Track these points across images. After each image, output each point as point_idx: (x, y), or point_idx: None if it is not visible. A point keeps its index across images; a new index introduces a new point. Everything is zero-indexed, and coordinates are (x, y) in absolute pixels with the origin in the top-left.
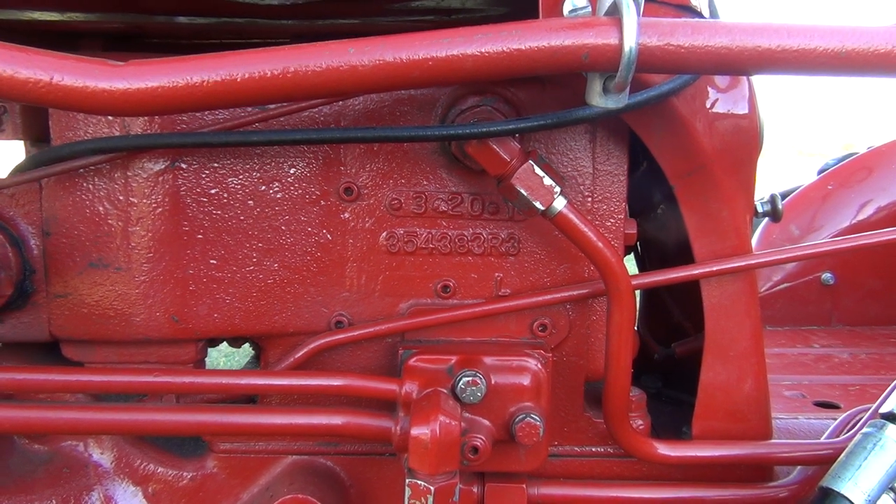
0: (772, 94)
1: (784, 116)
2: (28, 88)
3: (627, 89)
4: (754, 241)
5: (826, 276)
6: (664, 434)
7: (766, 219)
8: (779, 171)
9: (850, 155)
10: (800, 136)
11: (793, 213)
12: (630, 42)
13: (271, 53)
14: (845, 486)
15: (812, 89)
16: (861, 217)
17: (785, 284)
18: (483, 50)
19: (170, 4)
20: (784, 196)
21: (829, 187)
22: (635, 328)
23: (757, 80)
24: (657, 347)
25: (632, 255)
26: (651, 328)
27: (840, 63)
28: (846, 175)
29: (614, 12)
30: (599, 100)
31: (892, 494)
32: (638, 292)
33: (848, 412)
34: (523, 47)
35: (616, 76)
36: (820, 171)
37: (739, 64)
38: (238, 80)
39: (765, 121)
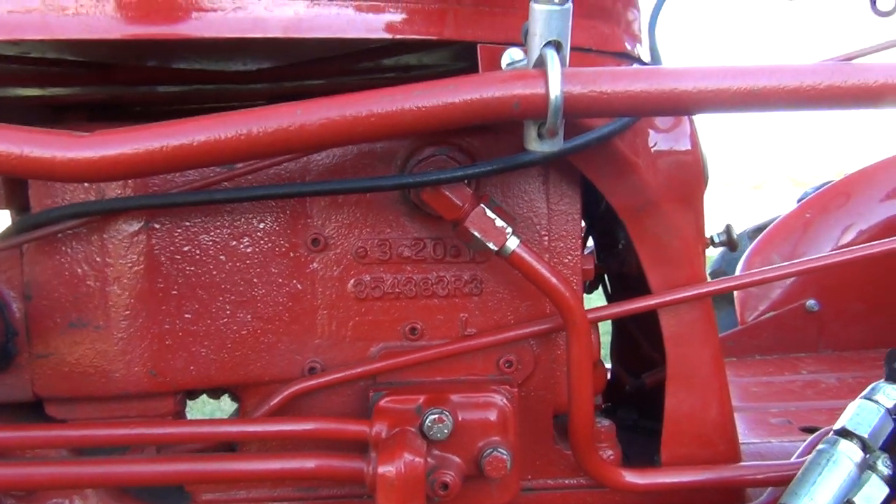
0: (763, 122)
1: (776, 145)
2: (1, 161)
3: (561, 134)
4: (737, 272)
5: (810, 303)
6: (639, 464)
7: (725, 248)
8: (770, 199)
9: (829, 182)
10: (793, 164)
11: (774, 242)
12: (555, 91)
13: (225, 118)
14: (802, 503)
15: (804, 117)
16: (843, 241)
17: (771, 313)
18: (420, 104)
19: (144, 77)
20: (765, 226)
21: (808, 216)
22: (600, 361)
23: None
24: (628, 379)
25: (601, 290)
26: (623, 361)
27: (754, 100)
28: (825, 202)
29: (541, 65)
30: (536, 145)
31: None
32: (609, 327)
33: (817, 433)
34: (458, 100)
35: (547, 122)
36: (800, 200)
37: (660, 106)
38: (195, 144)
39: (707, 156)
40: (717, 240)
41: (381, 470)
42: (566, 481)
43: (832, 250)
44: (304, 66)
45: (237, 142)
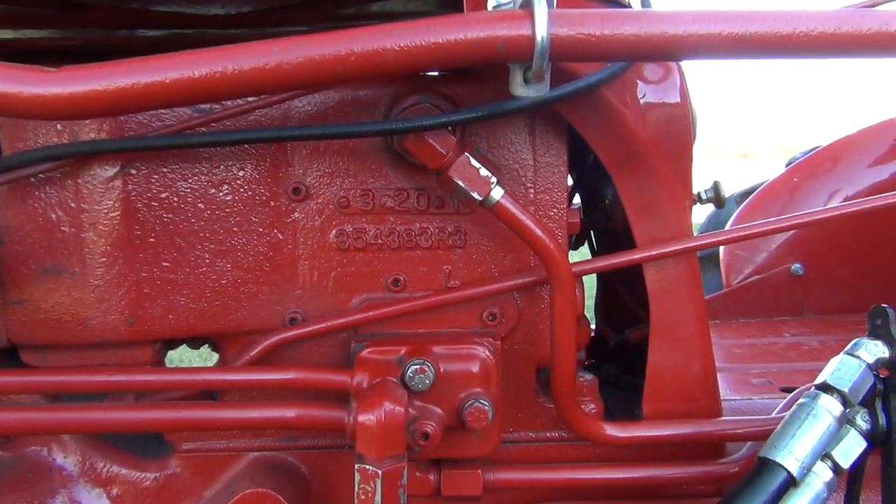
0: (750, 89)
1: (765, 114)
2: None
3: (547, 78)
4: None
5: (795, 266)
6: (621, 418)
7: (712, 207)
8: (758, 168)
9: (817, 148)
10: (781, 133)
11: (761, 206)
12: (542, 32)
13: (199, 55)
14: (781, 455)
15: (791, 83)
16: (830, 206)
17: (756, 276)
18: (402, 44)
19: (121, 20)
20: (753, 190)
21: (795, 180)
22: (584, 316)
23: (714, 71)
24: (612, 335)
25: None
26: (607, 317)
27: (744, 46)
28: (812, 167)
29: (527, 5)
30: (521, 90)
31: (828, 462)
32: (594, 283)
33: (798, 389)
34: (441, 40)
35: (533, 65)
36: (788, 165)
37: (649, 50)
38: (167, 81)
39: (697, 109)
40: (704, 196)
41: (361, 418)
42: (548, 434)
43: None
44: (285, 11)
45: (211, 79)
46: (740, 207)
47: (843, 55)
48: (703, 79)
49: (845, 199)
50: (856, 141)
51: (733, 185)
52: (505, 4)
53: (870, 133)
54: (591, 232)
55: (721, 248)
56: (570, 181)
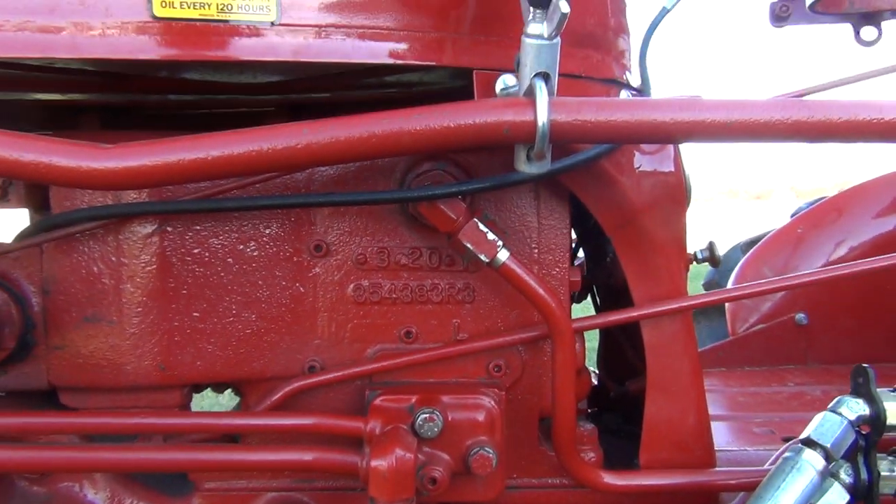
0: None
1: (781, 156)
2: (30, 170)
3: (548, 157)
4: (729, 284)
5: (800, 316)
6: (621, 466)
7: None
8: (772, 210)
9: (823, 198)
10: (796, 174)
11: (766, 256)
12: (542, 119)
13: (238, 136)
14: None
15: None
16: (835, 257)
17: (760, 325)
18: (417, 127)
19: (159, 86)
20: (758, 240)
21: (799, 231)
22: (585, 368)
23: None
24: (613, 386)
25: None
26: (609, 368)
27: (727, 132)
28: (817, 218)
29: (530, 94)
30: (525, 166)
31: None
32: (596, 336)
33: (791, 441)
34: (452, 124)
35: (535, 147)
36: (793, 215)
37: (639, 135)
38: (209, 158)
39: (690, 177)
40: (700, 256)
41: (373, 463)
42: (549, 481)
43: (823, 265)
44: (310, 81)
45: (248, 157)
46: (745, 257)
47: (816, 140)
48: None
49: (850, 250)
50: (860, 192)
51: (747, 228)
52: (512, 87)
53: (875, 185)
54: (594, 286)
55: None
56: (574, 238)
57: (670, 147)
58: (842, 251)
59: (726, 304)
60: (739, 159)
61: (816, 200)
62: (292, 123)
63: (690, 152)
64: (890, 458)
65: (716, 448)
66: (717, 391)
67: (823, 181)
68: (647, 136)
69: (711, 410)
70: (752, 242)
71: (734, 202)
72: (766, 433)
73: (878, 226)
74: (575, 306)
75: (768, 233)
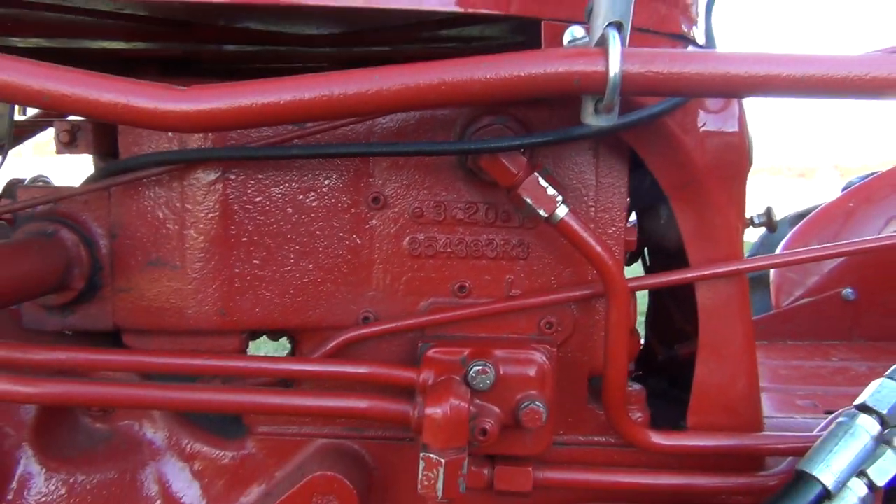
0: (810, 107)
1: (824, 133)
2: (108, 109)
3: (616, 109)
4: None
5: (847, 291)
6: (665, 428)
7: (764, 233)
8: (816, 188)
9: (875, 173)
10: (840, 152)
11: (815, 230)
12: (614, 69)
13: (310, 80)
14: (818, 469)
15: (852, 106)
16: (885, 232)
17: (806, 299)
18: (488, 76)
19: (220, 35)
20: (807, 213)
21: (851, 205)
22: (635, 329)
23: (764, 102)
24: (660, 349)
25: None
26: (656, 332)
27: (800, 87)
28: (869, 192)
29: (602, 44)
30: (592, 119)
31: (863, 479)
32: (646, 298)
33: (839, 410)
34: (523, 73)
35: (604, 99)
36: (844, 189)
37: (711, 88)
38: (281, 103)
39: (753, 138)
40: (757, 221)
41: (428, 411)
42: (596, 439)
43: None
44: (369, 34)
45: (319, 102)
46: (793, 230)
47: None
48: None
49: None
50: None
51: (790, 205)
52: (580, 39)
53: None
54: (645, 249)
55: (772, 270)
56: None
57: (735, 107)
58: (893, 227)
59: (771, 277)
60: (783, 136)
61: (869, 175)
62: (363, 69)
63: None
64: None
65: None
66: (760, 363)
67: (868, 159)
68: (719, 90)
69: None
70: (800, 216)
71: (777, 179)
72: (808, 405)
73: None
74: (625, 269)
75: (816, 207)
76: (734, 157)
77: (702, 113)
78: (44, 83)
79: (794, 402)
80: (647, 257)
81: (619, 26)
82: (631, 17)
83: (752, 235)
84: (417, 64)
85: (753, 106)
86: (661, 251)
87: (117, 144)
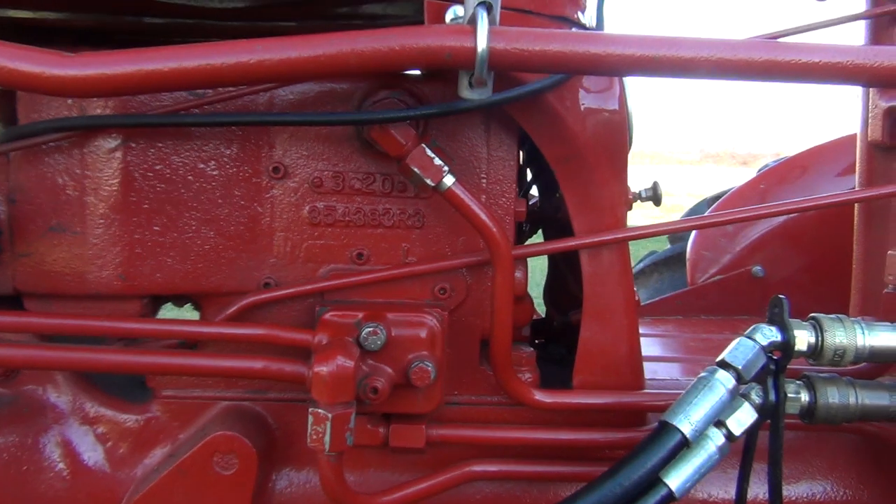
0: (750, 94)
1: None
2: None
3: (490, 84)
4: (690, 240)
5: (756, 269)
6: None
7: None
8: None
9: (786, 156)
10: (783, 137)
11: (728, 209)
12: (482, 45)
13: (193, 48)
14: (678, 419)
15: (794, 90)
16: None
17: (718, 277)
18: (364, 48)
19: (127, 5)
20: (723, 195)
21: (762, 186)
22: (528, 296)
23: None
24: (557, 317)
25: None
26: (554, 301)
27: (654, 66)
28: (781, 175)
29: (473, 22)
30: (466, 93)
31: (722, 429)
32: (545, 268)
33: None
34: (397, 46)
35: (474, 73)
36: (759, 172)
37: (574, 65)
38: (165, 69)
39: (634, 115)
40: (644, 195)
41: (316, 369)
42: (487, 398)
43: (784, 222)
44: (279, 8)
45: (202, 70)
46: (709, 211)
47: (738, 78)
48: (702, 84)
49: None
50: (825, 151)
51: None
52: (460, 18)
53: (839, 144)
54: (545, 222)
55: (688, 248)
56: (530, 176)
57: (615, 86)
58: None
59: (688, 256)
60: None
61: (782, 159)
62: (247, 40)
63: (672, 116)
64: (797, 382)
65: (649, 378)
66: (671, 336)
67: (809, 146)
68: (581, 68)
69: (664, 353)
70: (716, 197)
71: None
72: None
73: (840, 184)
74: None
75: (732, 188)
76: (614, 133)
77: (582, 92)
78: None
79: (697, 371)
80: (545, 230)
81: (488, 6)
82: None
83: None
84: (298, 37)
85: (697, 94)
86: (558, 223)
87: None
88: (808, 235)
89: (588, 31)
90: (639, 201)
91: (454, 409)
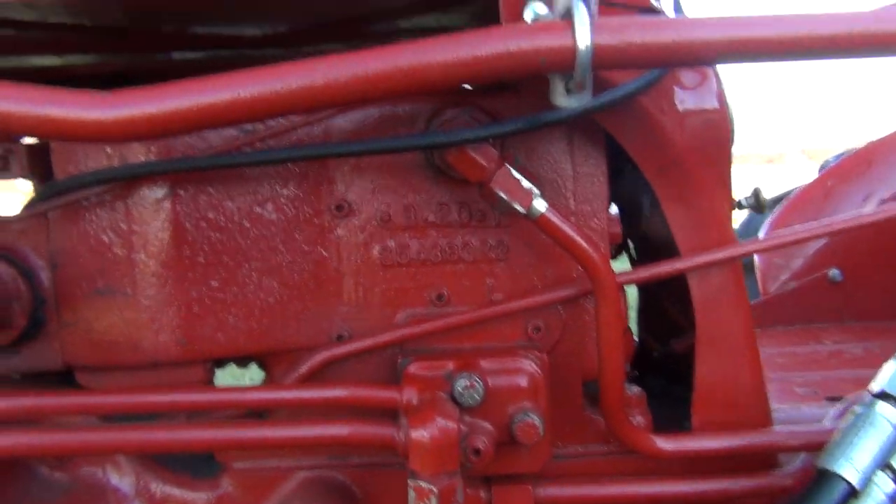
0: (774, 91)
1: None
2: (23, 121)
3: (589, 88)
4: None
5: (833, 272)
6: (668, 430)
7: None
8: (784, 171)
9: (849, 151)
10: (806, 134)
11: (795, 213)
12: (584, 42)
13: (249, 74)
14: (840, 465)
15: (816, 84)
16: (865, 210)
17: (793, 283)
18: (445, 58)
19: (160, 43)
20: (783, 197)
21: (829, 184)
22: (628, 328)
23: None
24: (656, 346)
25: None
26: (650, 328)
27: (787, 49)
28: (845, 170)
29: (567, 15)
30: (563, 100)
31: (888, 473)
32: (635, 294)
33: (850, 397)
34: (483, 53)
35: (575, 75)
36: (821, 170)
37: (689, 55)
38: (219, 102)
39: (735, 115)
40: (745, 203)
41: (413, 434)
42: (597, 448)
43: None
44: (320, 31)
45: (262, 98)
46: (773, 214)
47: (877, 55)
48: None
49: (880, 202)
50: (889, 142)
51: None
52: (543, 16)
53: None
54: (629, 241)
55: (756, 256)
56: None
57: (713, 82)
58: (872, 203)
59: (756, 263)
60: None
61: (844, 153)
62: (306, 60)
63: None
64: None
65: None
66: None
67: (836, 142)
68: (698, 58)
69: None
70: (777, 200)
71: (746, 166)
72: (809, 393)
73: None
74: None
75: (793, 190)
76: (716, 135)
77: (678, 90)
78: None
79: (794, 391)
80: (632, 250)
81: None
82: None
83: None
84: (365, 51)
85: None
86: (648, 242)
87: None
88: (883, 231)
89: (687, 17)
90: (738, 210)
91: (560, 462)
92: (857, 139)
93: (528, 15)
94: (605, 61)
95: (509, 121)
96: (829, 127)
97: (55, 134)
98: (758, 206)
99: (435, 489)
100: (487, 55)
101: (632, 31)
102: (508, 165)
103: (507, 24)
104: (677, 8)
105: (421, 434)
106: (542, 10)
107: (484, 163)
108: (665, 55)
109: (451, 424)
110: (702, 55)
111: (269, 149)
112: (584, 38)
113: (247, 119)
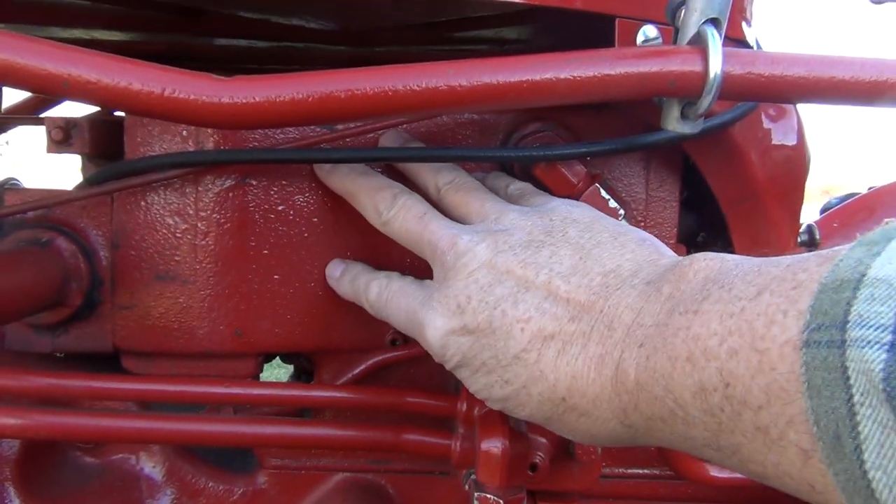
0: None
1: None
2: (140, 100)
3: (703, 115)
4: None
5: None
6: None
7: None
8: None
9: (852, 195)
10: (824, 173)
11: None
12: (715, 69)
13: (372, 72)
14: None
15: (837, 124)
16: None
17: None
18: (575, 74)
19: (230, 28)
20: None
21: (835, 225)
22: None
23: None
24: None
25: None
26: None
27: None
28: (846, 215)
29: (697, 42)
30: (677, 125)
31: None
32: None
33: None
34: (614, 72)
35: (697, 102)
36: (822, 211)
37: (815, 93)
38: (341, 95)
39: (811, 150)
40: (800, 240)
41: (484, 446)
42: (641, 471)
43: None
44: (398, 31)
45: (383, 96)
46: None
47: None
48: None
49: None
50: (893, 192)
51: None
52: (653, 39)
53: None
54: None
55: None
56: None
57: (793, 117)
58: None
59: None
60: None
61: (846, 196)
62: (434, 62)
63: None
64: None
65: None
66: None
67: (856, 183)
68: (822, 96)
69: None
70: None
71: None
72: None
73: None
74: None
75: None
76: (794, 170)
77: (765, 122)
78: (67, 68)
79: None
80: None
81: (716, 23)
82: (728, 16)
83: None
84: (493, 59)
85: None
86: None
87: (117, 144)
88: None
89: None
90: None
91: (604, 483)
92: (865, 176)
93: (640, 37)
94: (730, 91)
95: (606, 141)
96: (849, 167)
97: (174, 116)
98: (811, 242)
99: (502, 502)
100: (619, 75)
101: (761, 64)
102: (598, 184)
103: (639, 47)
104: (758, 45)
105: (493, 445)
106: (653, 33)
107: (574, 180)
108: (791, 90)
109: (522, 438)
110: (827, 94)
111: (347, 147)
112: (715, 65)
113: (361, 116)
